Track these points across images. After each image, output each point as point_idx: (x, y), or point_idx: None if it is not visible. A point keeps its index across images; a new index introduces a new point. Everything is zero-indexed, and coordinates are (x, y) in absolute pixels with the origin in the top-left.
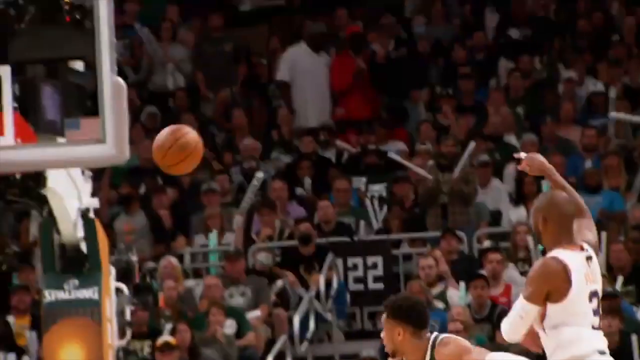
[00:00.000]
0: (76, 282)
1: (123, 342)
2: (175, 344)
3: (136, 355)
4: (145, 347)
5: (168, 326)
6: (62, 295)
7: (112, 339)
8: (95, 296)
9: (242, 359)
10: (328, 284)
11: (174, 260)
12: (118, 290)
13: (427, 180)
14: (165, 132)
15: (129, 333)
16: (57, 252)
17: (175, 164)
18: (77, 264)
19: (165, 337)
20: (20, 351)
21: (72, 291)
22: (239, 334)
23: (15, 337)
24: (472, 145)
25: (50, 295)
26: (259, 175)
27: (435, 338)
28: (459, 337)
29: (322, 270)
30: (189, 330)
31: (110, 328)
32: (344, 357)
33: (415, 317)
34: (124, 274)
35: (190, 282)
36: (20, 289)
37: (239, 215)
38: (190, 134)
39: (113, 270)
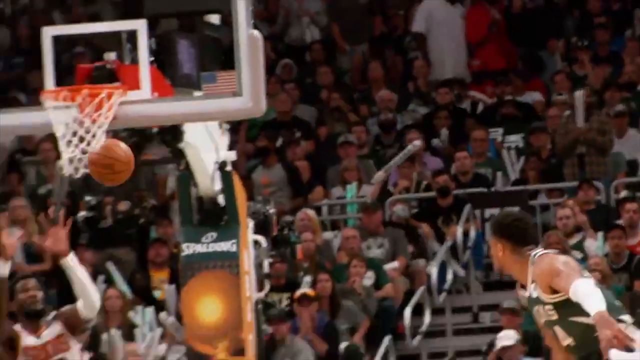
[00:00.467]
0: (214, 235)
1: (261, 295)
2: (313, 296)
3: (275, 308)
4: (284, 299)
5: (306, 278)
6: (200, 248)
7: (251, 291)
8: (233, 249)
9: (381, 310)
10: (465, 235)
11: (311, 212)
12: (256, 243)
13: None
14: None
15: (267, 285)
16: (195, 205)
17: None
18: (215, 217)
19: (304, 289)
20: (158, 305)
21: (210, 244)
22: (377, 285)
23: (153, 291)
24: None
25: (188, 249)
26: (417, 143)
27: (535, 255)
28: (557, 257)
29: (459, 221)
30: (330, 280)
31: (249, 280)
32: (482, 308)
33: (515, 234)
34: (261, 227)
35: (328, 234)
36: (158, 242)
37: (383, 172)
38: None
39: (251, 223)
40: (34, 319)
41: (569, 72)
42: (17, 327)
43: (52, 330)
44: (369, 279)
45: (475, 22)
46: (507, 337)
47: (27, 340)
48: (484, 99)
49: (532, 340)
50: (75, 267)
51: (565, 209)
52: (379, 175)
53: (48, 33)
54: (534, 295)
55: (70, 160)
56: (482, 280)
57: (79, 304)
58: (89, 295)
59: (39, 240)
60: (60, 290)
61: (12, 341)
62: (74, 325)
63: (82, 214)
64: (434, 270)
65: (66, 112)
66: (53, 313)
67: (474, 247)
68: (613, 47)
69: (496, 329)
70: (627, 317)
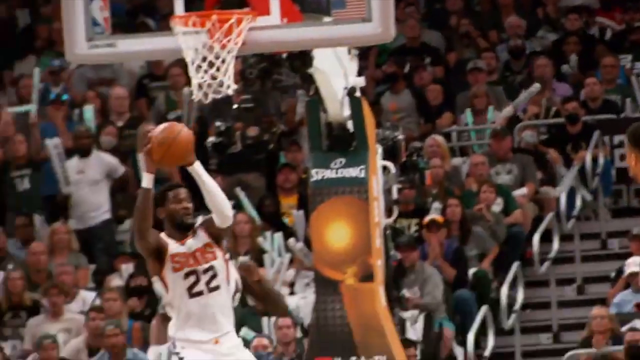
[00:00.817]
0: (343, 160)
1: (390, 221)
2: (442, 222)
3: (404, 234)
4: (412, 226)
5: (435, 204)
6: (329, 174)
7: (379, 217)
8: (362, 174)
9: (509, 236)
10: (594, 161)
11: (440, 138)
12: (384, 169)
13: None
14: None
15: (395, 211)
16: (324, 130)
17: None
18: (344, 143)
19: (433, 215)
20: (287, 230)
21: (338, 170)
22: (506, 211)
23: (282, 216)
24: None
25: (317, 174)
26: (537, 85)
27: None
28: None
29: (588, 148)
30: (459, 205)
31: (377, 206)
32: (610, 235)
33: None
34: (390, 153)
35: (456, 160)
36: (287, 168)
37: (511, 108)
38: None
39: (379, 149)
40: (183, 231)
41: None
42: (163, 235)
43: (198, 239)
44: (497, 205)
45: None
46: (636, 264)
47: (174, 248)
48: (613, 25)
49: None
50: (202, 174)
51: None
52: (507, 110)
53: None
54: None
55: (200, 86)
56: (610, 207)
57: (213, 214)
58: (218, 204)
59: None
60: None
61: (159, 252)
62: (215, 235)
63: (211, 139)
64: (562, 197)
65: (195, 37)
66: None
67: (602, 174)
68: None
69: (625, 256)
70: None
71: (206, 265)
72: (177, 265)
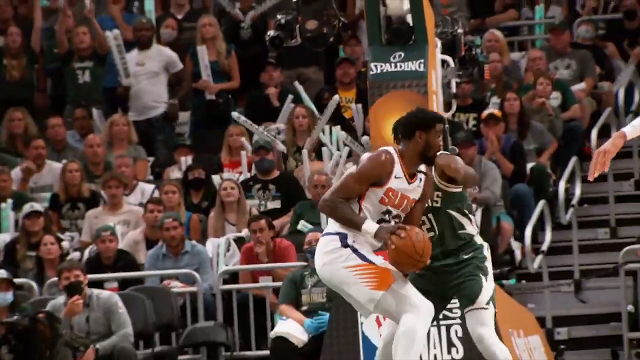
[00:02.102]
0: (402, 54)
1: (448, 114)
2: (500, 116)
3: (462, 129)
4: (470, 120)
5: (493, 99)
6: (388, 67)
7: (438, 111)
8: (421, 68)
9: (567, 131)
10: None
11: (498, 33)
12: (444, 63)
13: None
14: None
15: (454, 105)
16: (384, 24)
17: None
18: (403, 36)
19: (491, 109)
20: (346, 123)
21: (398, 63)
22: (564, 106)
23: (341, 110)
24: None
25: (376, 68)
26: None
27: None
28: None
29: None
30: (518, 98)
31: (436, 100)
32: None
33: None
34: (449, 47)
35: (515, 55)
36: (346, 61)
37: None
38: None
39: (439, 43)
40: (423, 164)
41: None
42: (392, 161)
43: (418, 188)
44: (555, 99)
45: None
46: None
47: (397, 183)
48: None
49: None
50: None
51: None
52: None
53: None
54: None
55: None
56: None
57: None
58: None
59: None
60: (248, 107)
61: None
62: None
63: (271, 33)
64: (620, 92)
65: None
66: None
67: None
68: None
69: None
70: None
71: (402, 214)
72: (385, 199)
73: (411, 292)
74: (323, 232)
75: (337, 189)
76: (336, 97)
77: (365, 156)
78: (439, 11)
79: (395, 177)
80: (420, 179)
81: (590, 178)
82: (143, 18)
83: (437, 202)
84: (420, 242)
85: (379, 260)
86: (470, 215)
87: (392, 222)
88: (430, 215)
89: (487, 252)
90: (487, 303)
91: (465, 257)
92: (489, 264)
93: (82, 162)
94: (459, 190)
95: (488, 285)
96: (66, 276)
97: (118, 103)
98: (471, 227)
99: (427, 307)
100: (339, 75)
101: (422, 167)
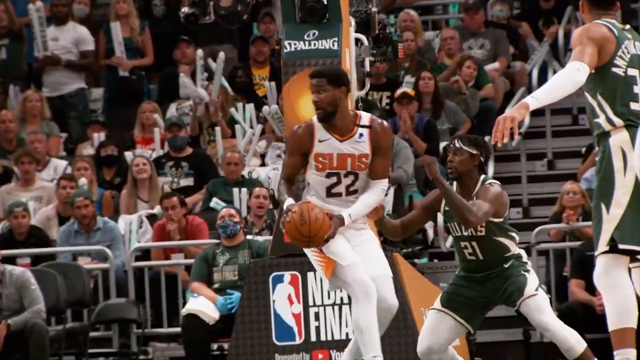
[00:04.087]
0: (316, 32)
1: (362, 93)
2: (413, 95)
3: (375, 106)
4: (384, 98)
5: (407, 78)
6: (302, 45)
7: (352, 89)
8: (335, 46)
9: (481, 110)
10: (566, 36)
11: (413, 13)
12: (358, 41)
13: None
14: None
15: (368, 84)
16: (298, 2)
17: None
18: (317, 14)
19: (404, 88)
20: (259, 101)
21: (312, 42)
22: (478, 86)
23: (254, 87)
24: None
25: (290, 46)
26: None
27: None
28: None
29: (560, 23)
30: (433, 78)
31: (350, 78)
32: (581, 110)
33: None
34: (363, 25)
35: (429, 34)
36: (260, 39)
37: None
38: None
39: (353, 21)
40: None
41: None
42: None
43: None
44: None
45: None
46: None
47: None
48: None
49: None
50: (358, 215)
51: None
52: None
53: None
54: None
55: None
56: None
57: None
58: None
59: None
60: (161, 84)
61: None
62: None
63: (185, 10)
64: (534, 71)
65: None
66: None
67: None
68: None
69: None
70: None
71: (357, 171)
72: (319, 165)
73: (349, 277)
74: None
75: (281, 169)
76: (222, 53)
77: None
78: None
79: (320, 141)
80: (361, 134)
81: (500, 143)
82: None
83: (481, 231)
84: (304, 223)
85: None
86: (513, 234)
87: (346, 181)
88: (474, 243)
89: (525, 257)
90: (536, 289)
91: (505, 266)
92: (528, 265)
93: None
94: (501, 220)
95: (532, 277)
96: None
97: (34, 78)
98: (515, 247)
99: (363, 289)
100: (252, 54)
101: (366, 121)
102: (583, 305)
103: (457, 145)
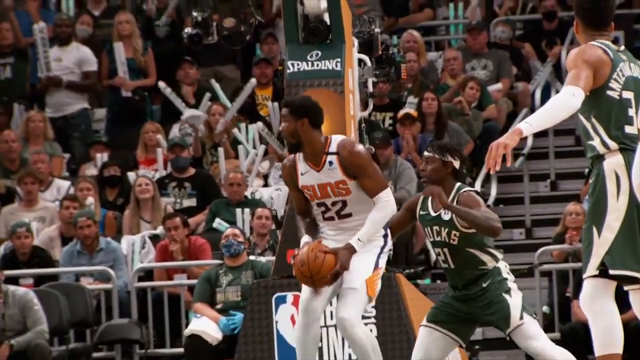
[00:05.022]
0: (319, 53)
1: (365, 114)
2: (416, 116)
3: (378, 127)
4: (387, 119)
5: (410, 98)
6: (304, 66)
7: (354, 110)
8: (338, 67)
9: (484, 131)
10: None
11: (416, 33)
12: (361, 62)
13: None
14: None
15: (371, 104)
16: (301, 23)
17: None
18: (320, 35)
19: (407, 109)
20: (262, 121)
21: (315, 62)
22: (481, 106)
23: (257, 107)
24: None
25: (293, 66)
26: None
27: None
28: None
29: (563, 44)
30: (436, 98)
31: (352, 99)
32: None
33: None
34: (367, 46)
35: (432, 55)
36: (263, 60)
37: None
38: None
39: (356, 42)
40: None
41: None
42: None
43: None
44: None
45: None
46: None
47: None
48: None
49: None
50: (366, 239)
51: None
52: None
53: None
54: None
55: None
56: None
57: None
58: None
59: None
60: (164, 105)
61: None
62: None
63: (188, 30)
64: (537, 92)
65: None
66: None
67: None
68: None
69: None
70: None
71: (343, 198)
72: (307, 197)
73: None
74: None
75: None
76: (253, 80)
77: None
78: (353, 11)
79: (302, 174)
80: (331, 162)
81: (493, 171)
82: (63, 14)
83: (454, 240)
84: (304, 264)
85: None
86: (493, 251)
87: (335, 208)
88: (445, 250)
89: (504, 272)
90: (521, 318)
91: (484, 285)
92: (509, 282)
93: None
94: (475, 232)
95: (514, 301)
96: None
97: (37, 99)
98: (492, 262)
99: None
100: (256, 75)
101: (334, 148)
102: (586, 326)
103: (429, 153)
